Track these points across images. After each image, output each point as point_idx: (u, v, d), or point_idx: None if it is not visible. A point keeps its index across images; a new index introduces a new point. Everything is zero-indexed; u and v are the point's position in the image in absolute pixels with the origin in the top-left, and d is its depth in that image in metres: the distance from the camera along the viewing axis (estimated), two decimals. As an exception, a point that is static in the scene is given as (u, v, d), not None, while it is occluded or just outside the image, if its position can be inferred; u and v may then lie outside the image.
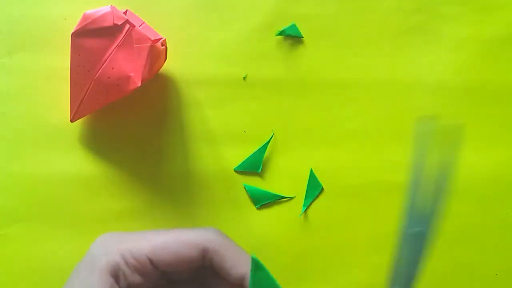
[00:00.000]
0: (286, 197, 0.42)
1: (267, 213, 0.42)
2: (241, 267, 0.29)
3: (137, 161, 0.42)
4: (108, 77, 0.38)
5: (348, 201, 0.42)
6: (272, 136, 0.43)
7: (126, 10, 0.40)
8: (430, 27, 0.44)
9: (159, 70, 0.42)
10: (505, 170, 0.43)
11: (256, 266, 0.28)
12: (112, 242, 0.28)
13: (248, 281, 0.28)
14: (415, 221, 0.21)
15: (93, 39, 0.38)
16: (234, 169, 0.42)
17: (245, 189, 0.42)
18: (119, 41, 0.38)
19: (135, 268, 0.27)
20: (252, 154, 0.42)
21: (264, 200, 0.42)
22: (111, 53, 0.38)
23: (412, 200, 0.20)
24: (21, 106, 0.42)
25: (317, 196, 0.42)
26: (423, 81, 0.43)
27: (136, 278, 0.28)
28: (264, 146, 0.42)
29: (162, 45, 0.40)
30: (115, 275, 0.27)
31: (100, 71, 0.38)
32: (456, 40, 0.44)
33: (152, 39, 0.38)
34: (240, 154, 0.42)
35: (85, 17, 0.38)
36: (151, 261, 0.28)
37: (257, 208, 0.42)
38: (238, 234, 0.42)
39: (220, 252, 0.29)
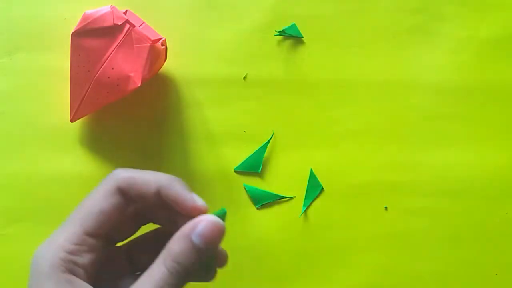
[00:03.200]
0: (286, 197, 0.42)
1: (267, 213, 0.42)
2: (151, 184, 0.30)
3: (137, 161, 0.42)
4: (108, 77, 0.38)
5: (348, 201, 0.42)
6: (272, 136, 0.43)
7: (126, 10, 0.40)
8: (430, 27, 0.44)
9: (159, 70, 0.42)
10: (505, 170, 0.43)
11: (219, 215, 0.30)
12: (47, 248, 0.28)
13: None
14: None
15: (93, 39, 0.38)
16: (234, 169, 0.42)
17: (245, 189, 0.42)
18: (119, 41, 0.38)
19: (79, 251, 0.28)
20: (252, 154, 0.42)
21: (264, 200, 0.42)
22: (111, 53, 0.38)
23: None
24: (21, 106, 0.42)
25: (317, 196, 0.42)
26: (423, 81, 0.43)
27: (87, 258, 0.28)
28: (264, 146, 0.42)
29: (162, 45, 0.40)
30: (69, 270, 0.28)
31: (100, 71, 0.38)
32: (456, 40, 0.44)
33: (152, 39, 0.38)
34: (240, 154, 0.42)
35: (85, 17, 0.38)
36: (88, 234, 0.29)
37: (257, 208, 0.42)
38: (238, 234, 0.42)
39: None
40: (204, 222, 0.28)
